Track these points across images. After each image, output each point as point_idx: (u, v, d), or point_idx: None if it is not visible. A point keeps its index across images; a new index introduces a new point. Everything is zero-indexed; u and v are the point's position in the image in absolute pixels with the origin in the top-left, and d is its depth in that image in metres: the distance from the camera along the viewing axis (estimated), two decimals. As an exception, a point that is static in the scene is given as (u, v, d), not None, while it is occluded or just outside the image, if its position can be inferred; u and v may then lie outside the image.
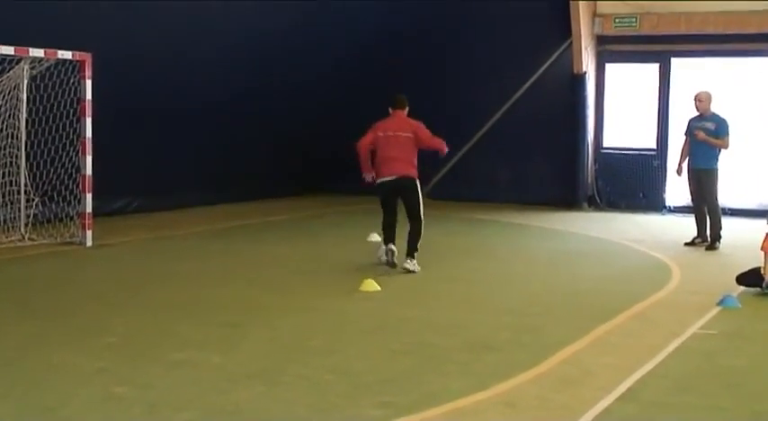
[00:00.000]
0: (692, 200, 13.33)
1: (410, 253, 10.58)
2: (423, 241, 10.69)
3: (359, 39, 17.71)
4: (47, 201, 12.84)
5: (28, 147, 12.39)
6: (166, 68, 14.95)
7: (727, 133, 12.96)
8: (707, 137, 12.90)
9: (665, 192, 17.50)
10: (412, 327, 7.88)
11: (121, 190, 15.39)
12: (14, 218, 12.37)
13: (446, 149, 10.83)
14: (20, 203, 12.36)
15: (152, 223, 14.73)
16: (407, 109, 10.96)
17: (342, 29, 17.25)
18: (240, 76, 16.36)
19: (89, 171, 12.16)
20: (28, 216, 12.46)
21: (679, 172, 13.38)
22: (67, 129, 12.53)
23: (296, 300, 9.06)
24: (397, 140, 10.63)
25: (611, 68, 18.16)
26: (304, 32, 16.71)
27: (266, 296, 9.23)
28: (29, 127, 12.35)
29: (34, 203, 12.45)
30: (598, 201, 17.98)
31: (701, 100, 13.16)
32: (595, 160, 18.08)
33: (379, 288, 9.47)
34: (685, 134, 13.37)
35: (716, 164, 13.01)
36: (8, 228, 12.35)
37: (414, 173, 10.68)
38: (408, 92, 11.31)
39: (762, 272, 9.53)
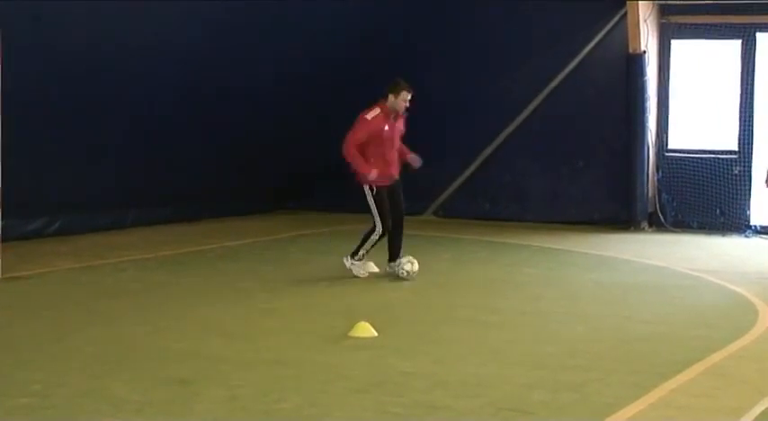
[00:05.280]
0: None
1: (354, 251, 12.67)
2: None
3: (343, 17, 17.66)
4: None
5: None
6: (97, 53, 14.87)
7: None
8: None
9: (749, 207, 17.49)
10: (418, 385, 7.86)
11: (38, 206, 15.34)
12: None
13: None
14: None
15: (78, 249, 14.71)
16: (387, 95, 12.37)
17: (317, 4, 17.17)
18: (188, 66, 16.30)
19: (-6, 181, 12.19)
20: None
21: (768, 183, 13.46)
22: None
23: (263, 349, 9.04)
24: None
25: (679, 46, 18.18)
26: (270, 16, 16.66)
27: (225, 344, 9.20)
28: None
29: None
30: (661, 219, 17.98)
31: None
32: (658, 166, 18.09)
33: (375, 333, 9.47)
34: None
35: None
36: None
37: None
38: (410, 83, 11.37)
39: None
